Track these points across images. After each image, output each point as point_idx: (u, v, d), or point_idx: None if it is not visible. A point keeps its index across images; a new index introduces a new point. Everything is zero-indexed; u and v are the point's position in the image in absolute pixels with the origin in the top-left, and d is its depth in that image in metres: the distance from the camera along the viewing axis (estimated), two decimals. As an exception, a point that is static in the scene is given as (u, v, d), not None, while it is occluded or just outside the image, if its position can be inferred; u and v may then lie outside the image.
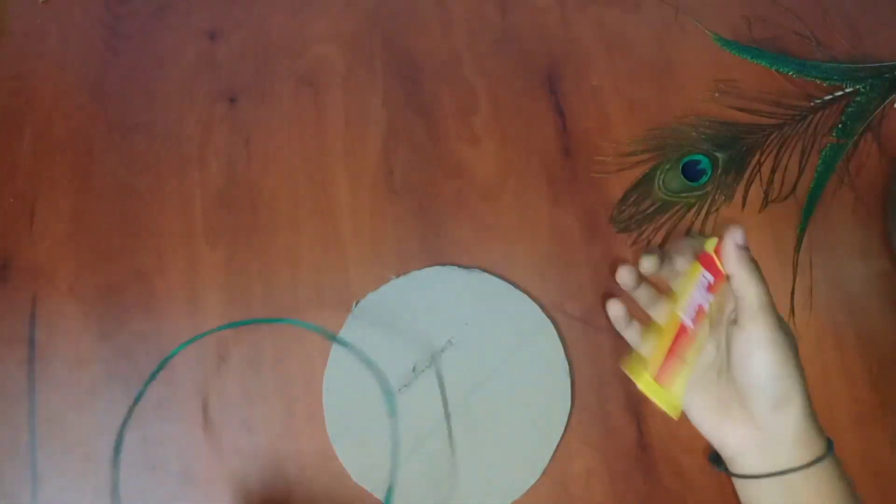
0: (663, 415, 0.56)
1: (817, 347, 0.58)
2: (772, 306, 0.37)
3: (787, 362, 0.37)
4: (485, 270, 0.59)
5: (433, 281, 0.58)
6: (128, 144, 0.63)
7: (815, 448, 0.37)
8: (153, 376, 0.56)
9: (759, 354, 0.37)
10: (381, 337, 0.57)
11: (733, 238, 0.38)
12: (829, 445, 0.38)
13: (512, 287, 0.58)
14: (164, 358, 0.57)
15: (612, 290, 0.59)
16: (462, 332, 0.57)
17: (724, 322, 0.41)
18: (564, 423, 0.55)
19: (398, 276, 0.58)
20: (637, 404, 0.56)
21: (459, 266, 0.59)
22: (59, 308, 0.58)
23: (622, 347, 0.57)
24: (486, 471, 0.54)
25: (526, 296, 0.58)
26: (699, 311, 0.38)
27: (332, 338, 0.57)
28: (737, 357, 0.38)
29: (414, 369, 0.56)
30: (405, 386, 0.56)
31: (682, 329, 0.38)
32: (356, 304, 0.58)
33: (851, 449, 0.56)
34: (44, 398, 0.56)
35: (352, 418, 0.55)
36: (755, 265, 0.38)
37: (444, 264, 0.59)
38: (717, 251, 0.39)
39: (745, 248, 0.38)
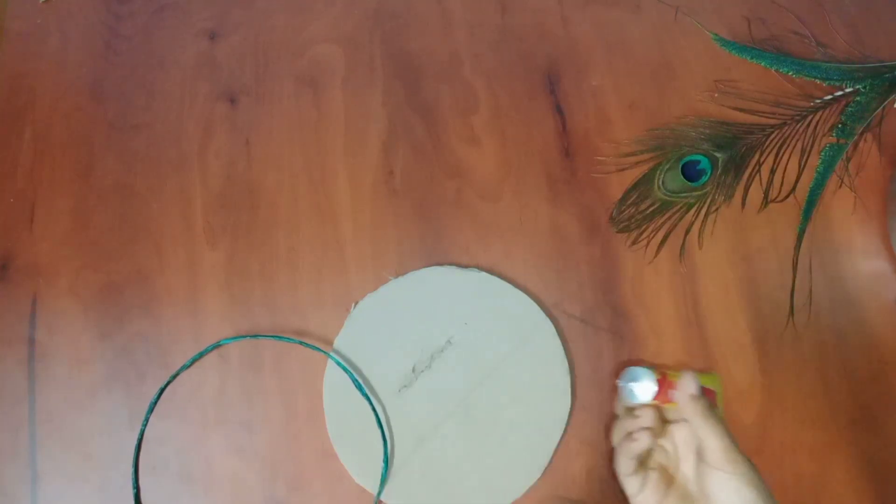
0: (663, 415, 0.56)
1: (817, 347, 0.58)
2: (734, 451, 0.38)
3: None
4: (483, 269, 0.59)
5: (432, 281, 0.58)
6: (128, 144, 0.63)
7: None
8: (163, 388, 0.56)
9: (725, 497, 0.37)
10: (380, 338, 0.57)
11: (685, 388, 0.39)
12: None
13: (511, 286, 0.58)
14: (167, 363, 0.57)
15: (609, 289, 0.59)
16: (461, 331, 0.57)
17: (693, 452, 0.41)
18: (564, 423, 0.55)
19: (396, 276, 0.58)
20: (637, 404, 0.57)
21: (458, 266, 0.59)
22: (59, 308, 0.58)
23: (622, 347, 0.58)
24: (486, 470, 0.54)
25: (525, 294, 0.58)
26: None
27: (336, 361, 0.57)
28: (709, 492, 0.38)
29: (414, 369, 0.56)
30: (405, 386, 0.56)
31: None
32: (355, 305, 0.58)
33: (851, 449, 0.56)
34: (44, 398, 0.56)
35: (352, 418, 0.55)
36: (710, 412, 0.39)
37: (443, 264, 0.59)
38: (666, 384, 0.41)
39: (698, 398, 0.39)
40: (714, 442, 0.39)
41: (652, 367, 0.44)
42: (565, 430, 0.55)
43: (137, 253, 0.59)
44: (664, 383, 0.43)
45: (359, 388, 0.55)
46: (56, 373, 0.57)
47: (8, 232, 0.60)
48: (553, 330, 0.57)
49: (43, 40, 0.66)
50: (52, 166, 0.62)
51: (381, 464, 0.54)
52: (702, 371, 0.43)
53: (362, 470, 0.54)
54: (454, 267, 0.59)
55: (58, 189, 0.61)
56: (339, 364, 0.55)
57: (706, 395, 0.39)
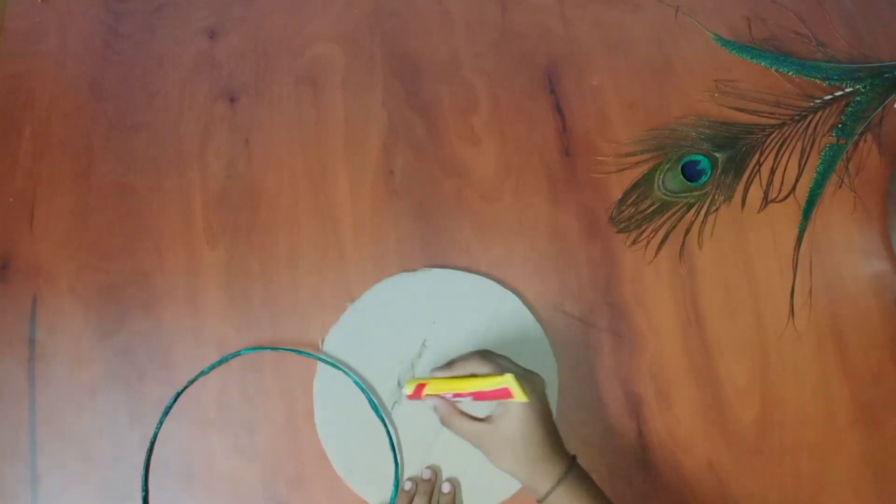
0: (663, 415, 0.56)
1: (817, 347, 0.58)
2: (468, 433, 0.48)
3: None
4: (432, 267, 0.59)
5: (387, 294, 0.58)
6: (127, 144, 0.62)
7: (554, 472, 0.46)
8: (172, 403, 0.56)
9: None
10: (358, 363, 0.57)
11: (427, 403, 0.50)
12: (571, 464, 0.47)
13: (460, 272, 0.58)
14: (167, 363, 0.57)
15: (609, 289, 0.59)
16: (431, 331, 0.57)
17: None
18: (556, 387, 0.56)
19: (353, 301, 0.58)
20: (637, 404, 0.57)
21: (406, 271, 0.59)
22: (59, 308, 0.58)
23: (622, 347, 0.58)
24: (483, 470, 0.54)
25: (480, 276, 0.58)
26: (458, 396, 0.49)
27: (355, 382, 0.57)
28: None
29: (399, 383, 0.56)
30: (396, 402, 0.56)
31: (456, 395, 0.49)
32: (322, 342, 0.57)
33: (851, 449, 0.56)
34: (44, 398, 0.56)
35: (344, 425, 0.55)
36: (449, 419, 0.49)
37: (442, 264, 0.59)
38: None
39: (436, 408, 0.50)
40: (459, 431, 0.49)
41: (429, 376, 0.50)
42: (558, 415, 0.55)
43: (137, 253, 0.59)
44: (419, 389, 0.50)
45: (374, 409, 0.55)
46: (56, 373, 0.57)
47: (8, 232, 0.60)
48: (516, 298, 0.57)
49: (42, 39, 0.66)
50: (51, 166, 0.62)
51: (392, 487, 0.54)
52: (494, 375, 0.46)
53: (354, 473, 0.55)
54: (404, 273, 0.58)
55: (57, 188, 0.61)
56: (356, 384, 0.55)
57: (503, 393, 0.45)
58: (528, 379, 0.47)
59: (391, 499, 0.53)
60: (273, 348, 0.57)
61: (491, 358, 0.48)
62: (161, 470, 0.55)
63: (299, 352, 0.56)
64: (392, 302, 0.58)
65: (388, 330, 0.57)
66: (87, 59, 0.65)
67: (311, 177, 0.61)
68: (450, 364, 0.49)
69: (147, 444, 0.54)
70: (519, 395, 0.44)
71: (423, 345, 0.57)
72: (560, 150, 0.62)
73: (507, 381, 0.44)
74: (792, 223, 0.61)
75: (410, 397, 0.51)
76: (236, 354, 0.56)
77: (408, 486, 0.54)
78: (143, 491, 0.53)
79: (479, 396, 0.47)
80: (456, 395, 0.49)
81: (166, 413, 0.54)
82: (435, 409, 0.50)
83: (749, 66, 0.65)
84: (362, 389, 0.55)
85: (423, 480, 0.54)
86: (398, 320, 0.57)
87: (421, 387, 0.50)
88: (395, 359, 0.57)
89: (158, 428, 0.54)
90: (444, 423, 0.49)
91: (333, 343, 0.57)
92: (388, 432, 0.54)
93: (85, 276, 0.59)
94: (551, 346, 0.57)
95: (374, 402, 0.55)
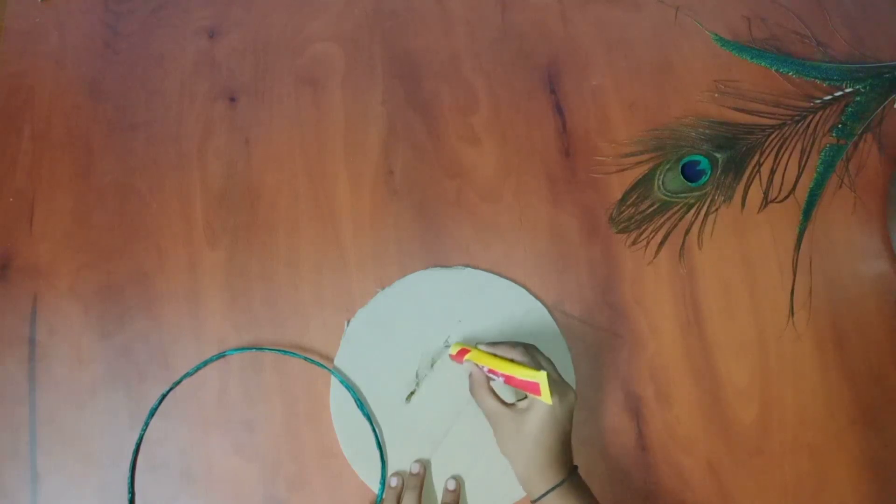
0: (663, 415, 0.56)
1: (817, 347, 0.58)
2: (491, 411, 0.49)
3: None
4: (470, 266, 0.59)
5: (420, 285, 0.58)
6: (127, 144, 0.62)
7: (554, 479, 0.47)
8: (164, 396, 0.56)
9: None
10: (379, 350, 0.57)
11: (465, 368, 0.52)
12: (571, 473, 0.48)
13: (498, 277, 0.58)
14: (168, 364, 0.57)
15: (609, 289, 0.59)
16: (457, 329, 0.57)
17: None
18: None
19: (383, 287, 0.58)
20: (637, 404, 0.57)
21: (442, 266, 0.59)
22: (59, 308, 0.58)
23: (621, 347, 0.58)
24: (489, 471, 0.54)
25: (513, 283, 0.58)
26: (493, 372, 0.50)
27: (340, 380, 0.57)
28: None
29: (417, 374, 0.56)
30: (413, 393, 0.56)
31: (491, 371, 0.50)
32: (347, 323, 0.58)
33: (851, 449, 0.56)
34: (44, 398, 0.56)
35: (360, 420, 0.55)
36: (476, 388, 0.50)
37: (442, 264, 0.59)
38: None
39: (470, 375, 0.51)
40: (482, 404, 0.50)
41: (475, 344, 0.52)
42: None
43: (137, 253, 0.59)
44: (462, 353, 0.52)
45: (360, 407, 0.55)
46: (56, 373, 0.57)
47: (8, 232, 0.60)
48: (544, 309, 0.58)
49: (42, 39, 0.66)
50: (51, 165, 0.62)
51: (378, 485, 0.54)
52: (530, 368, 0.47)
53: (368, 469, 0.55)
54: (439, 268, 0.59)
55: (57, 188, 0.61)
56: (342, 382, 0.55)
57: (532, 387, 0.46)
58: (561, 388, 0.47)
59: (378, 496, 0.53)
60: (258, 348, 0.57)
61: (534, 354, 0.49)
62: (161, 470, 0.55)
63: (284, 351, 0.57)
64: (421, 294, 0.58)
65: (414, 321, 0.58)
66: (87, 59, 0.65)
67: (311, 177, 0.61)
68: (495, 343, 0.50)
69: (144, 443, 0.54)
70: (545, 395, 0.45)
71: (446, 342, 0.57)
72: (560, 150, 0.62)
73: (540, 377, 0.45)
74: (792, 223, 0.61)
75: (453, 358, 0.53)
76: (221, 355, 0.56)
77: (394, 482, 0.54)
78: (129, 493, 0.53)
79: (510, 380, 0.48)
80: (491, 372, 0.49)
81: (152, 414, 0.54)
82: (470, 375, 0.51)
83: (749, 66, 0.65)
84: (347, 388, 0.55)
85: (412, 475, 0.54)
86: (425, 313, 0.58)
87: (464, 352, 0.51)
88: (417, 351, 0.57)
89: (144, 430, 0.54)
90: (472, 391, 0.51)
91: (358, 325, 0.57)
92: (374, 431, 0.55)
93: (85, 276, 0.59)
94: (572, 364, 0.57)
95: (359, 400, 0.55)
